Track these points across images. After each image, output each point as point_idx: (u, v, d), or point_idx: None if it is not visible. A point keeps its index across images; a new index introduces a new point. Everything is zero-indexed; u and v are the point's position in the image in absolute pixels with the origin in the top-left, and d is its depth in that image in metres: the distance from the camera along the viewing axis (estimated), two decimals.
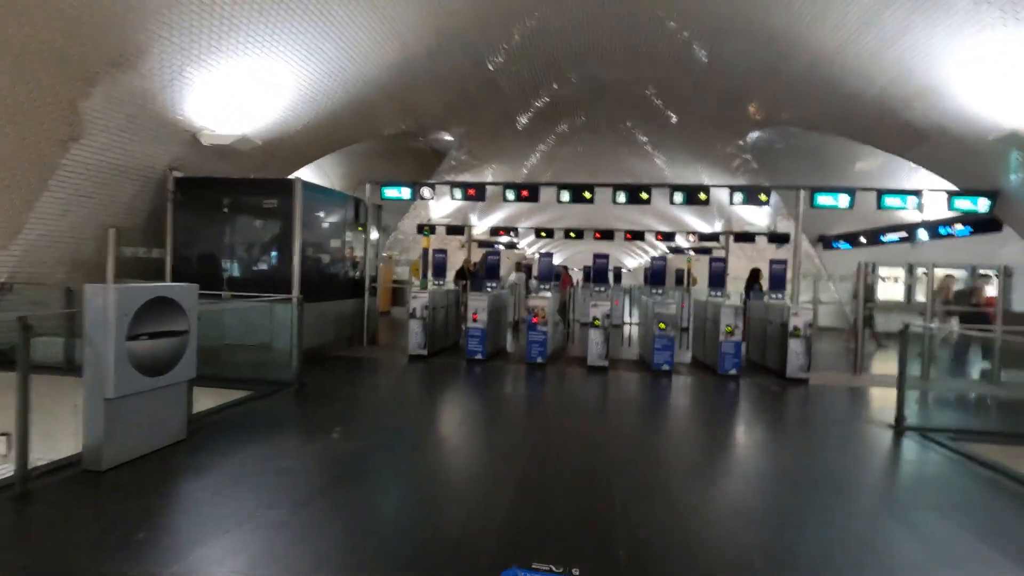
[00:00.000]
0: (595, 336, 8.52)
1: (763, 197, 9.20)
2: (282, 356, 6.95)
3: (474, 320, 8.76)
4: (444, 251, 9.84)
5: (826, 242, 16.29)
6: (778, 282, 9.15)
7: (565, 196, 9.58)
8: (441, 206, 21.15)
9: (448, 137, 14.11)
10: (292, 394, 6.35)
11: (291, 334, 6.75)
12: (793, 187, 9.20)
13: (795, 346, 8.13)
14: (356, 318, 10.12)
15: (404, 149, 15.70)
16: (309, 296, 8.36)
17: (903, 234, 12.18)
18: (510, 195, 9.69)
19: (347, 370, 7.99)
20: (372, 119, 11.70)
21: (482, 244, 24.01)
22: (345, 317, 9.75)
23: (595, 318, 8.52)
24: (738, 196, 9.25)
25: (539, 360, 8.60)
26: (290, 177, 7.91)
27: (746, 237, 17.59)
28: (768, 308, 9.17)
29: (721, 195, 9.61)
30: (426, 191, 9.85)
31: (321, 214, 9.38)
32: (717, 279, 9.28)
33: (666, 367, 8.39)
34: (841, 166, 14.02)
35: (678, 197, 9.39)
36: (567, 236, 17.54)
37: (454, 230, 18.28)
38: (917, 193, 8.84)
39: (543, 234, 18.19)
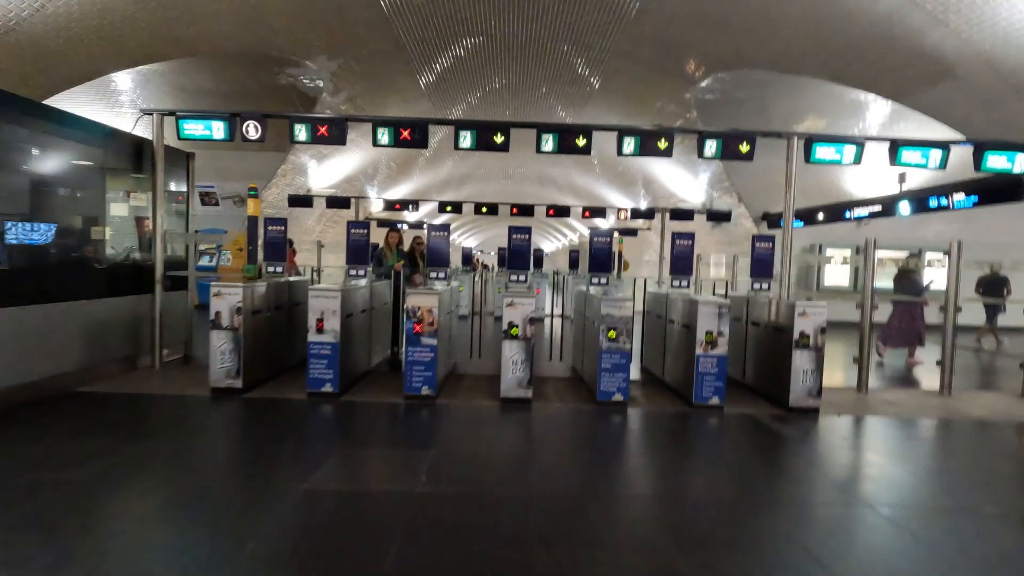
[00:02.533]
0: (512, 352, 5.50)
1: (744, 147, 6.54)
2: None
3: (319, 330, 5.45)
4: (281, 221, 6.41)
5: (771, 220, 14.35)
6: (764, 268, 6.59)
7: (466, 140, 6.44)
8: (326, 173, 17.30)
9: (314, 68, 10.48)
10: None
11: None
12: (784, 134, 6.62)
13: (802, 361, 5.55)
14: (141, 327, 6.47)
15: (260, 89, 11.85)
16: (16, 292, 4.71)
17: (876, 208, 10.17)
18: (383, 136, 6.40)
19: (67, 431, 4.42)
20: (185, 21, 7.92)
21: (382, 223, 20.38)
22: (115, 326, 6.10)
23: (512, 324, 5.50)
24: (711, 146, 6.54)
25: (425, 391, 5.46)
26: None
27: (683, 215, 15.38)
28: (752, 304, 6.58)
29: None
30: (252, 127, 6.32)
31: (44, 155, 5.62)
32: (682, 263, 6.57)
33: (619, 397, 5.55)
34: (787, 125, 11.93)
35: (629, 144, 6.53)
36: (478, 211, 14.41)
37: (338, 203, 14.59)
38: (943, 146, 6.52)
39: (448, 208, 14.94)
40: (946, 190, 8.54)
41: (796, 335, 5.54)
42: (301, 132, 6.37)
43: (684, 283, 6.55)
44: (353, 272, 6.31)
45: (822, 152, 6.55)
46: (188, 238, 7.31)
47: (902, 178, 9.62)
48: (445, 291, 5.92)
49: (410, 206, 14.78)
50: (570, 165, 20.05)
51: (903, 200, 9.41)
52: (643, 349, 7.60)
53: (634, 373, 7.06)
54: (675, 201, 18.04)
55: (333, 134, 6.40)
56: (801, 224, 12.92)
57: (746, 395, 6.16)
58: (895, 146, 6.55)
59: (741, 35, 8.44)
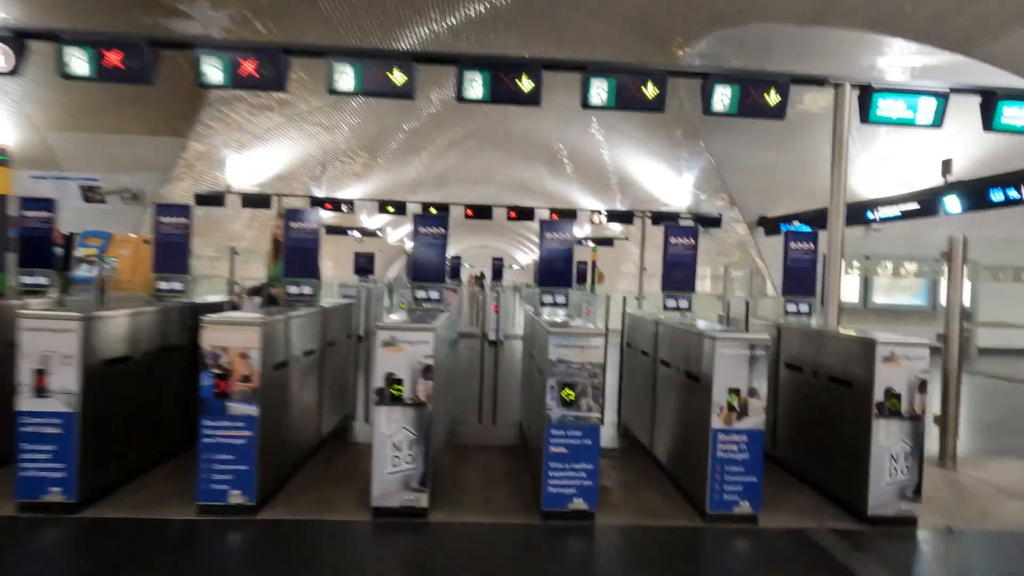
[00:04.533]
0: (392, 427, 3.12)
1: (772, 97, 4.33)
2: None
3: (38, 390, 3.01)
4: (45, 204, 4.00)
5: (769, 226, 12.29)
6: (802, 281, 4.39)
7: (347, 79, 4.10)
8: (252, 168, 14.72)
9: (197, 20, 8.08)
10: None
11: None
12: (833, 79, 4.42)
13: (890, 438, 3.29)
14: None
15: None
16: None
17: (910, 206, 8.10)
18: (212, 72, 4.02)
19: None
20: None
21: (331, 230, 17.85)
22: None
23: (393, 379, 3.13)
24: (724, 95, 4.30)
25: (234, 498, 3.04)
26: None
27: (665, 219, 13.32)
28: (787, 337, 4.32)
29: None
30: None
31: None
32: (680, 273, 4.31)
33: (580, 504, 3.20)
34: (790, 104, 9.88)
35: (599, 91, 4.27)
36: (425, 210, 12.05)
37: (256, 202, 12.10)
38: None
39: (389, 209, 12.52)
40: (1014, 179, 6.50)
41: (879, 395, 3.27)
42: (74, 61, 3.96)
43: (684, 303, 4.29)
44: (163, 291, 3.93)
45: (887, 107, 4.36)
46: None
47: (946, 167, 7.64)
48: (287, 319, 3.53)
49: (343, 206, 12.32)
50: (541, 165, 17.93)
51: (950, 194, 7.38)
52: (620, 399, 5.27)
53: (608, 434, 4.77)
54: (656, 205, 15.98)
55: (131, 67, 4.00)
56: (807, 229, 10.85)
57: (785, 484, 3.88)
58: (991, 100, 4.41)
59: None
